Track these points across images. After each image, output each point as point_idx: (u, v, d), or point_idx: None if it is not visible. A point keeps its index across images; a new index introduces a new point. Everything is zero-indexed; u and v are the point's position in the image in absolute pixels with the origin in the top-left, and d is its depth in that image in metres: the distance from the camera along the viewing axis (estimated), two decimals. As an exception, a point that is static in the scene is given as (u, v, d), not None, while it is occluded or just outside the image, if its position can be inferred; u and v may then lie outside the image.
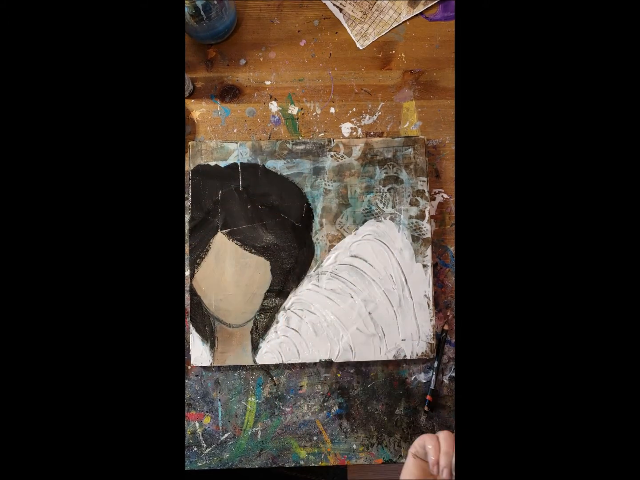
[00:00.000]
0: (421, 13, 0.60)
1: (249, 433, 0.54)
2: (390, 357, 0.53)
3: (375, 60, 0.59)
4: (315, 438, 0.54)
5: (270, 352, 0.53)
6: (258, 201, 0.55)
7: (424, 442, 0.42)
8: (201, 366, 0.54)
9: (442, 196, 0.57)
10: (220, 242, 0.54)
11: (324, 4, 0.60)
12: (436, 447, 0.41)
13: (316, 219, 0.55)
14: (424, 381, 0.55)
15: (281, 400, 0.54)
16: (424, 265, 0.54)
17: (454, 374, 0.55)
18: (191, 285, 0.54)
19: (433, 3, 0.59)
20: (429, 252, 0.54)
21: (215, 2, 0.52)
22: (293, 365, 0.55)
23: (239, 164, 0.55)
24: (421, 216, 0.55)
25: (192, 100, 0.58)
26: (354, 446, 0.54)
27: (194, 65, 0.59)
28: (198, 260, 0.54)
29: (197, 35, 0.57)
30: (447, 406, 0.55)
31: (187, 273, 0.54)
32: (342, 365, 0.55)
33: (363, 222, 0.55)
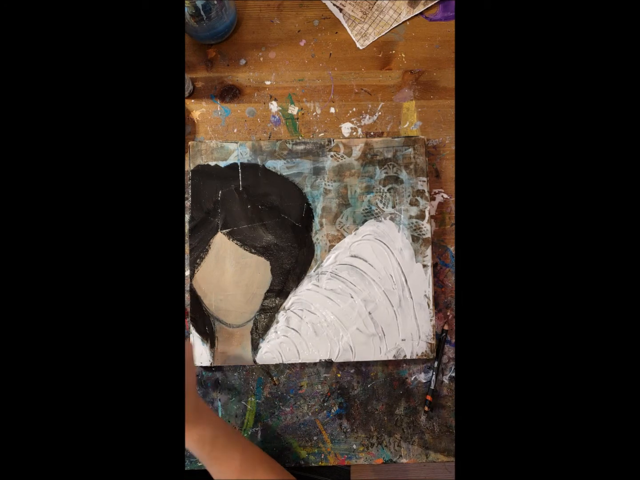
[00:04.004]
0: (421, 13, 0.60)
1: (249, 433, 0.54)
2: (390, 357, 0.53)
3: (375, 60, 0.59)
4: (315, 438, 0.54)
5: (270, 352, 0.53)
6: (258, 201, 0.55)
7: None
8: (201, 366, 0.54)
9: (442, 196, 0.57)
10: (220, 242, 0.54)
11: (324, 4, 0.60)
12: None
13: (316, 219, 0.55)
14: (424, 381, 0.55)
15: (281, 400, 0.54)
16: (424, 265, 0.54)
17: (454, 374, 0.55)
18: (191, 285, 0.54)
19: (433, 3, 0.59)
20: (429, 252, 0.54)
21: (215, 2, 0.52)
22: (293, 365, 0.55)
23: (239, 164, 0.55)
24: (421, 216, 0.55)
25: (192, 100, 0.58)
26: (354, 446, 0.54)
27: (194, 65, 0.59)
28: (198, 260, 0.54)
29: (197, 35, 0.57)
30: (447, 406, 0.55)
31: (187, 273, 0.54)
32: (342, 365, 0.55)
33: (363, 222, 0.55)
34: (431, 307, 0.54)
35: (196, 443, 0.43)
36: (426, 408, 0.54)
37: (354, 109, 0.58)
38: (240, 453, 0.44)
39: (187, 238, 0.54)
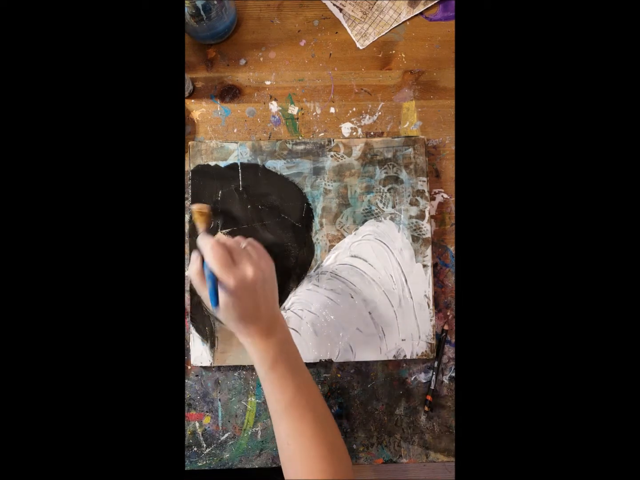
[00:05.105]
0: (421, 13, 0.60)
1: (249, 433, 0.54)
2: (390, 357, 0.53)
3: (375, 60, 0.59)
4: (315, 438, 0.54)
5: (270, 352, 0.53)
6: (258, 201, 0.55)
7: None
8: (201, 366, 0.54)
9: (442, 196, 0.57)
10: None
11: (324, 4, 0.60)
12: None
13: (316, 219, 0.55)
14: (424, 381, 0.55)
15: (281, 400, 0.54)
16: (424, 265, 0.54)
17: (454, 374, 0.55)
18: (191, 285, 0.54)
19: (433, 3, 0.59)
20: (429, 252, 0.54)
21: (215, 2, 0.51)
22: (293, 365, 0.54)
23: (239, 164, 0.55)
24: (421, 216, 0.55)
25: (192, 100, 0.58)
26: (354, 446, 0.54)
27: (194, 65, 0.59)
28: (198, 260, 0.54)
29: (197, 35, 0.57)
30: (447, 406, 0.55)
31: (187, 273, 0.54)
32: (342, 365, 0.55)
33: (363, 222, 0.55)
34: (431, 307, 0.54)
35: (258, 359, 0.43)
36: (426, 408, 0.54)
37: (354, 109, 0.58)
38: (294, 389, 0.42)
39: (187, 238, 0.54)
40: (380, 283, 0.54)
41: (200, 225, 0.45)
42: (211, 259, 0.40)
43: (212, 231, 0.54)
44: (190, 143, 0.56)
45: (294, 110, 0.58)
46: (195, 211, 0.45)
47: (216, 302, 0.40)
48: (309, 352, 0.53)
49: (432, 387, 0.54)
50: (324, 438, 0.42)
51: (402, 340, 0.54)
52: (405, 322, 0.54)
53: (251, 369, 0.54)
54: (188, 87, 0.57)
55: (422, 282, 0.54)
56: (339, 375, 0.55)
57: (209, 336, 0.53)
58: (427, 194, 0.55)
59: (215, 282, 0.40)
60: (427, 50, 0.59)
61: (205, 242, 0.42)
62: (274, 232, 0.55)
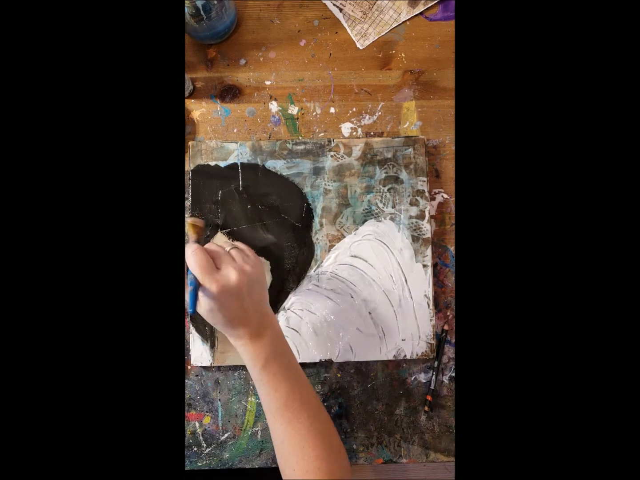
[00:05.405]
0: (421, 13, 0.60)
1: (249, 433, 0.54)
2: (390, 357, 0.53)
3: (375, 60, 0.59)
4: (315, 438, 0.54)
5: (270, 352, 0.53)
6: (258, 201, 0.55)
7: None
8: (201, 366, 0.54)
9: (442, 196, 0.57)
10: (220, 242, 0.54)
11: (324, 4, 0.60)
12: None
13: (316, 219, 0.55)
14: (424, 381, 0.55)
15: (281, 400, 0.54)
16: (424, 265, 0.54)
17: (454, 374, 0.55)
18: (191, 285, 0.54)
19: (433, 3, 0.59)
20: (429, 252, 0.54)
21: (215, 2, 0.51)
22: (293, 365, 0.55)
23: (239, 164, 0.55)
24: (421, 216, 0.55)
25: (192, 100, 0.58)
26: (354, 446, 0.54)
27: (194, 65, 0.59)
28: (198, 260, 0.54)
29: (197, 35, 0.57)
30: (447, 406, 0.55)
31: (187, 273, 0.54)
32: (342, 365, 0.55)
33: (363, 222, 0.55)
34: (431, 307, 0.54)
35: (250, 360, 0.43)
36: (426, 408, 0.54)
37: (354, 109, 0.58)
38: (288, 388, 0.42)
39: (187, 238, 0.54)
40: (380, 283, 0.54)
41: (192, 237, 0.45)
42: (193, 265, 0.40)
43: (212, 232, 0.54)
44: (190, 143, 0.56)
45: (294, 110, 0.58)
46: (189, 223, 0.45)
47: (194, 307, 0.40)
48: (309, 352, 0.53)
49: (432, 387, 0.54)
50: (320, 436, 0.42)
51: (402, 340, 0.54)
52: (405, 322, 0.54)
53: (251, 369, 0.54)
54: (188, 87, 0.57)
55: (422, 282, 0.54)
56: (339, 375, 0.55)
57: (209, 336, 0.53)
58: (427, 194, 0.55)
59: (196, 287, 0.40)
60: (427, 50, 0.59)
61: (188, 248, 0.42)
62: (274, 232, 0.55)
